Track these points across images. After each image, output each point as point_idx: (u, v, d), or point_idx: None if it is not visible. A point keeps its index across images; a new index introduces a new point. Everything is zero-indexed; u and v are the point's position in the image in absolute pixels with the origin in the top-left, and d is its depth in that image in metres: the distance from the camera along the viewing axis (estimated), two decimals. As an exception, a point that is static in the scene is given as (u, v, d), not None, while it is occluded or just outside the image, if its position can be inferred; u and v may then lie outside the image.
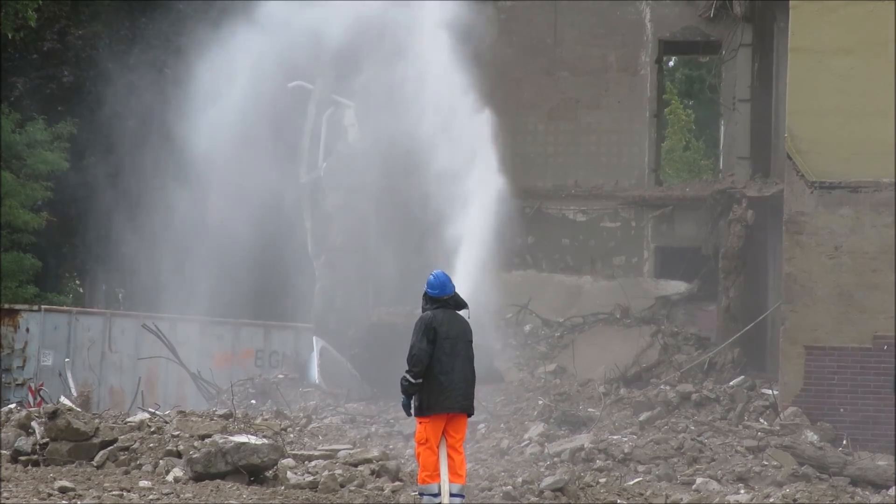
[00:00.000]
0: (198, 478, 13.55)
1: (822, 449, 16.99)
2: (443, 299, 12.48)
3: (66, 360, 28.13)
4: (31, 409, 17.31)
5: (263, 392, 22.00)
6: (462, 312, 12.65)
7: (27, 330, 28.35)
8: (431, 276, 12.57)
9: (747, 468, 16.12)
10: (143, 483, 13.28)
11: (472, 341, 12.57)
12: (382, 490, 13.74)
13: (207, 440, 14.32)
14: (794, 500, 14.79)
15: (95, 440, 14.88)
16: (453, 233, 20.71)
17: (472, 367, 12.55)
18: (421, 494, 12.41)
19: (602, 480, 15.55)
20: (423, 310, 12.57)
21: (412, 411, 12.56)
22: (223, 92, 22.08)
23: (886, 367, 18.64)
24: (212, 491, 12.99)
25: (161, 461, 14.35)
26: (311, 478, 14.04)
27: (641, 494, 14.89)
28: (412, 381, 12.34)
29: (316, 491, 13.49)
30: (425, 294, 12.54)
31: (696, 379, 20.97)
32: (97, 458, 14.67)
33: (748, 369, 21.26)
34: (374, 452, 15.38)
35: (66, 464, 14.56)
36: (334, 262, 23.93)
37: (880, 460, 17.00)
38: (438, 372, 12.30)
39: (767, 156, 22.70)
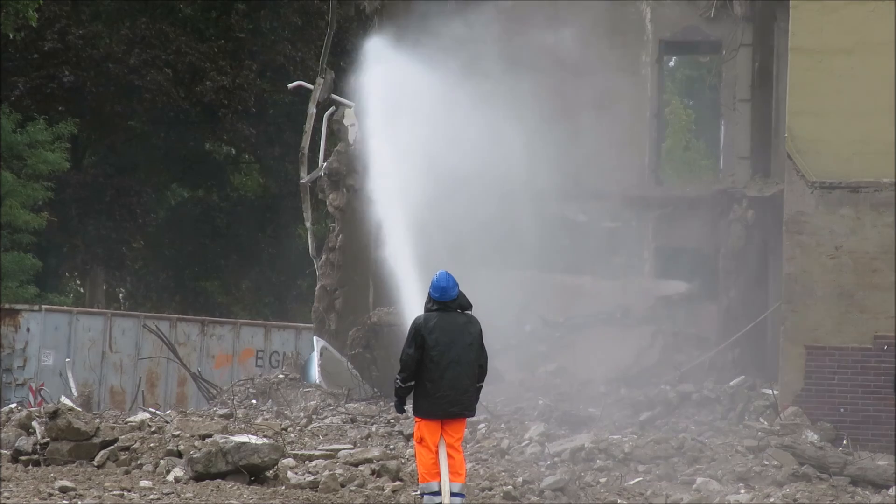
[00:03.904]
0: (198, 477, 13.57)
1: (822, 449, 16.99)
2: (443, 302, 12.48)
3: (67, 359, 28.15)
4: (31, 409, 17.35)
5: (264, 392, 21.99)
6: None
7: (28, 330, 28.37)
8: (434, 278, 12.56)
9: (747, 468, 16.12)
10: (144, 483, 13.29)
11: (473, 343, 12.49)
12: (383, 490, 13.75)
13: (208, 440, 14.34)
14: (795, 500, 14.80)
15: (96, 440, 14.89)
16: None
17: (471, 372, 12.46)
18: (422, 494, 12.43)
19: (602, 480, 15.56)
20: (425, 308, 12.58)
21: (410, 410, 12.64)
22: None
23: (886, 367, 18.63)
24: (212, 491, 13.01)
25: (162, 461, 14.37)
26: (311, 477, 14.06)
27: (642, 494, 14.90)
28: (401, 384, 12.45)
29: (316, 491, 13.51)
30: (428, 293, 12.55)
31: (697, 379, 20.97)
32: (98, 457, 14.69)
33: (748, 369, 21.26)
34: (375, 452, 15.40)
35: (66, 463, 14.58)
36: (335, 262, 23.93)
37: (880, 460, 17.00)
38: (426, 378, 12.37)
39: (768, 156, 22.69)
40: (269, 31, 39.96)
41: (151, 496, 12.60)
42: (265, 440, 14.33)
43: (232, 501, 12.54)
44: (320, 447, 16.10)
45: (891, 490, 15.84)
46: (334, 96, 24.54)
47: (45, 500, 12.14)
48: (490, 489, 14.23)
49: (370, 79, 22.48)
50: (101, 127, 40.05)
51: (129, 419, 16.79)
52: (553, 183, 22.44)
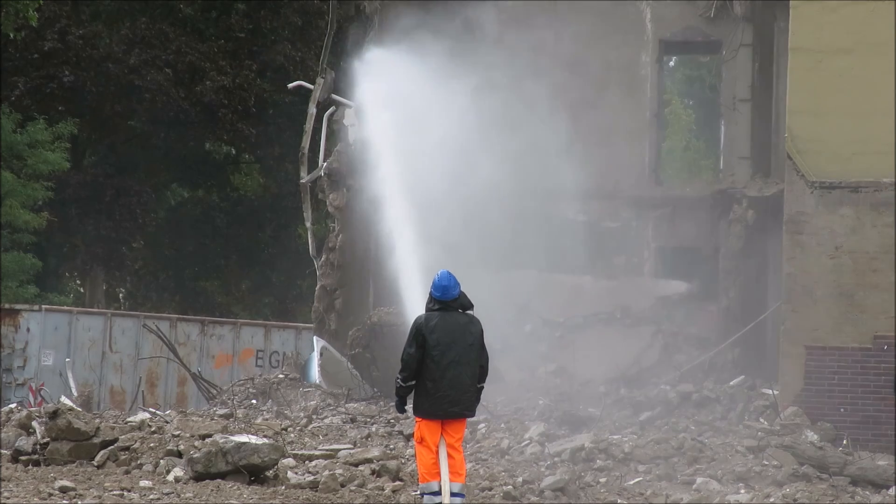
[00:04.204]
0: (198, 477, 13.57)
1: (822, 449, 16.99)
2: (445, 302, 12.48)
3: (67, 359, 28.15)
4: (31, 409, 17.35)
5: (264, 392, 21.99)
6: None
7: (28, 330, 28.37)
8: (436, 277, 12.55)
9: (747, 468, 16.12)
10: (144, 483, 13.29)
11: (475, 343, 12.48)
12: (383, 490, 13.75)
13: (208, 440, 14.34)
14: (795, 500, 14.79)
15: (96, 440, 14.89)
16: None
17: (472, 372, 12.45)
18: (422, 494, 12.43)
19: (602, 480, 15.56)
20: (426, 308, 12.58)
21: (410, 410, 12.65)
22: None
23: (886, 367, 18.64)
24: (212, 491, 13.00)
25: (162, 461, 14.37)
26: (311, 477, 14.05)
27: (642, 494, 14.90)
28: (402, 384, 12.45)
29: (316, 491, 13.51)
30: (430, 292, 12.55)
31: (697, 379, 20.98)
32: (98, 457, 14.69)
33: (748, 369, 21.26)
34: (375, 452, 15.40)
35: (66, 463, 14.58)
36: (335, 262, 23.93)
37: (880, 460, 17.00)
38: (427, 378, 12.37)
39: (768, 156, 22.70)
40: (269, 31, 39.95)
41: (151, 496, 12.59)
42: (265, 440, 14.33)
43: (232, 501, 12.53)
44: (320, 447, 16.09)
45: (891, 490, 15.84)
46: (334, 96, 24.53)
47: (45, 500, 12.14)
48: (490, 489, 14.23)
49: (371, 80, 22.50)
50: (101, 127, 40.05)
51: (129, 419, 16.79)
52: (553, 183, 22.46)
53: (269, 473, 13.84)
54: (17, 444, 15.22)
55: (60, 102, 37.42)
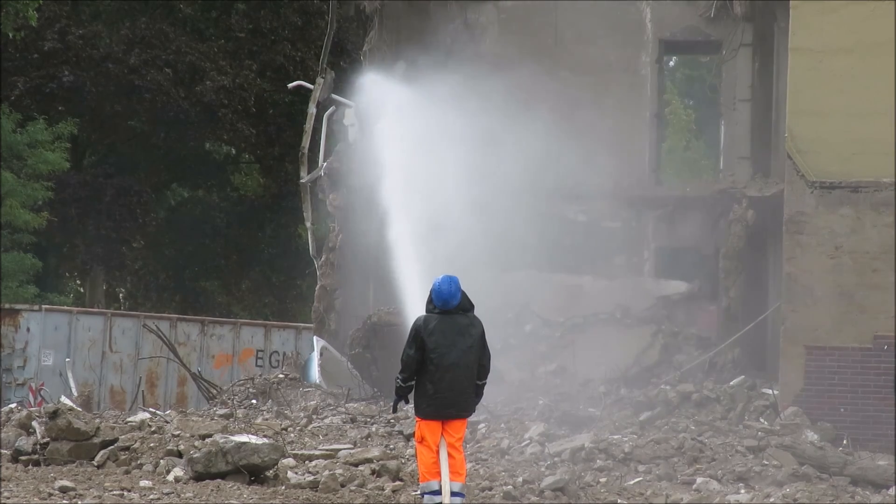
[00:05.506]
0: (198, 477, 13.57)
1: (822, 449, 16.99)
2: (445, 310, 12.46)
3: (67, 359, 28.15)
4: (31, 409, 17.36)
5: (264, 392, 21.99)
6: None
7: (28, 330, 28.36)
8: (436, 283, 12.47)
9: (748, 468, 16.12)
10: (144, 483, 13.29)
11: (474, 346, 12.44)
12: (383, 490, 13.75)
13: (208, 440, 14.34)
14: (795, 500, 14.79)
15: (96, 440, 14.90)
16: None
17: (471, 374, 12.43)
18: (422, 494, 12.43)
19: (602, 480, 15.56)
20: (426, 308, 12.56)
21: (408, 410, 12.66)
22: None
23: (886, 367, 18.64)
24: (212, 491, 13.01)
25: (162, 461, 14.37)
26: (311, 477, 14.05)
27: (642, 494, 14.90)
28: (402, 384, 12.47)
29: (316, 490, 13.51)
30: (430, 295, 12.52)
31: (697, 379, 20.98)
32: (98, 457, 14.69)
33: (748, 369, 21.26)
34: (375, 452, 15.40)
35: (66, 463, 14.58)
36: (335, 262, 23.93)
37: (880, 460, 17.00)
38: (427, 379, 12.39)
39: (768, 156, 22.70)
40: (269, 31, 39.97)
41: (151, 496, 12.60)
42: (265, 440, 14.33)
43: (232, 501, 12.54)
44: (320, 447, 16.10)
45: (891, 490, 15.84)
46: (334, 96, 24.53)
47: (45, 500, 12.14)
48: (490, 489, 14.23)
49: (372, 82, 22.54)
50: (101, 127, 40.06)
51: (129, 419, 16.79)
52: (553, 183, 22.45)
53: (270, 473, 13.84)
54: (17, 444, 15.22)
55: (60, 102, 37.43)
